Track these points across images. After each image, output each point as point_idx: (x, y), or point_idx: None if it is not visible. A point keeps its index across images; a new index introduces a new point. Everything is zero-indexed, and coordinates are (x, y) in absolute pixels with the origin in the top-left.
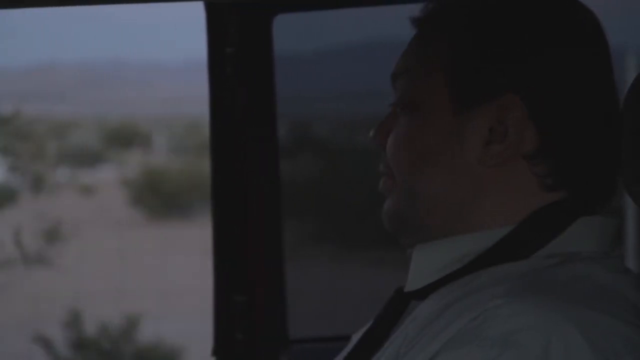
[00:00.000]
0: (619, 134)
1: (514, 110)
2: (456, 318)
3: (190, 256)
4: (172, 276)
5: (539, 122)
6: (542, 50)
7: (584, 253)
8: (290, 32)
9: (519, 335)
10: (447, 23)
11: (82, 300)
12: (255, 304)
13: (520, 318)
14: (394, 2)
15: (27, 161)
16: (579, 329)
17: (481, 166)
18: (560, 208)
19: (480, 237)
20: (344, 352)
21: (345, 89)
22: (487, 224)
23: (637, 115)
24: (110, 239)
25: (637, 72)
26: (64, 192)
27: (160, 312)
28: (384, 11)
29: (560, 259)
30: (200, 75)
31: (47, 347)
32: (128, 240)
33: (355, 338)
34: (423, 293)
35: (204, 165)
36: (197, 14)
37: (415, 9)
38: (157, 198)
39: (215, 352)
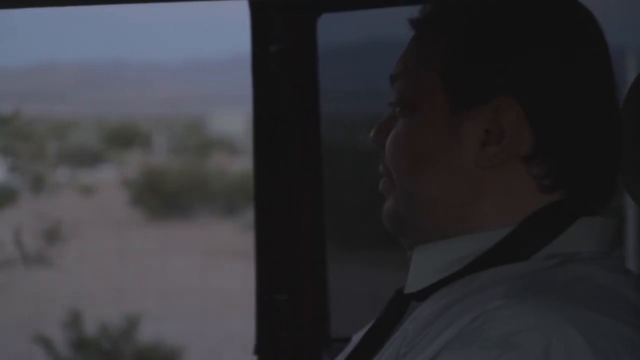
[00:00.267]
0: (618, 134)
1: (510, 112)
2: (456, 319)
3: (190, 256)
4: (172, 276)
5: (535, 124)
6: (538, 52)
7: (584, 254)
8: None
9: (519, 336)
10: (445, 25)
11: (82, 300)
12: (298, 303)
13: (520, 319)
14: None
15: (27, 161)
16: (579, 330)
17: (478, 168)
18: (560, 208)
19: (480, 238)
20: (345, 353)
21: (345, 89)
22: (485, 225)
23: (637, 116)
24: (110, 239)
25: (637, 73)
26: (64, 192)
27: (160, 312)
28: (384, 11)
29: (561, 259)
30: (200, 75)
31: (47, 347)
32: (128, 240)
33: (355, 339)
34: (423, 294)
35: (204, 165)
36: (197, 14)
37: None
38: (157, 198)
39: (257, 350)
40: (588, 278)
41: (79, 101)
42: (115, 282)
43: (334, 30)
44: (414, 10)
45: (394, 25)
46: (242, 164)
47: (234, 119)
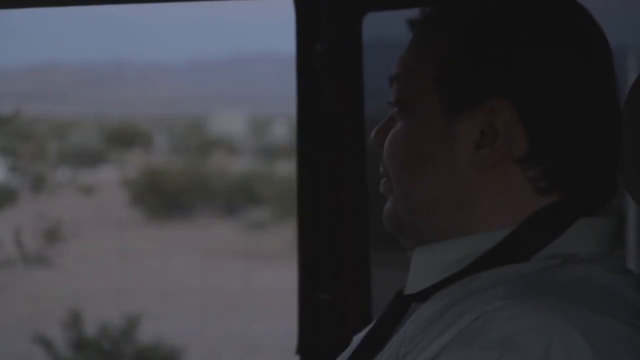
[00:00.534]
0: (617, 134)
1: (503, 114)
2: (457, 319)
3: (190, 256)
4: (172, 276)
5: (530, 126)
6: (534, 53)
7: (584, 254)
8: (288, 32)
9: (519, 337)
10: (442, 26)
11: (82, 300)
12: (341, 302)
13: (520, 320)
14: None
15: (27, 161)
16: (579, 330)
17: (472, 170)
18: (560, 209)
19: (480, 239)
20: (346, 354)
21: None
22: (484, 226)
23: (638, 115)
24: (110, 239)
25: (638, 72)
26: (64, 192)
27: (160, 312)
28: (384, 12)
29: (561, 260)
30: (200, 76)
31: (47, 347)
32: (128, 240)
33: (356, 340)
34: (423, 295)
35: (204, 165)
36: (197, 14)
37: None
38: (157, 198)
39: (300, 350)
40: (588, 278)
41: (79, 101)
42: (115, 282)
43: (377, 27)
44: None
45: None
46: (242, 164)
47: (234, 119)
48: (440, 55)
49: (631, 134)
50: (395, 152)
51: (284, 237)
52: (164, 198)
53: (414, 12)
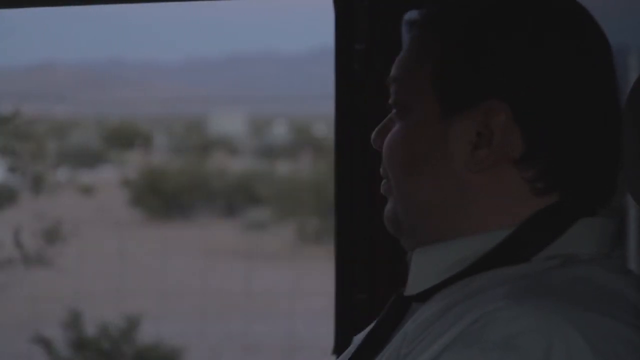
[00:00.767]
0: (617, 134)
1: (499, 115)
2: (457, 320)
3: (190, 256)
4: (172, 276)
5: (526, 128)
6: (530, 54)
7: (584, 254)
8: (288, 32)
9: (520, 338)
10: (439, 27)
11: (82, 300)
12: (377, 302)
13: (521, 321)
14: None
15: (27, 161)
16: (580, 331)
17: (469, 171)
18: (560, 210)
19: (480, 240)
20: (347, 354)
21: None
22: (483, 227)
23: (639, 115)
24: (110, 239)
25: (639, 72)
26: (64, 192)
27: (160, 313)
28: None
29: (561, 260)
30: (200, 75)
31: (47, 347)
32: (128, 241)
33: (357, 340)
34: (424, 296)
35: (204, 165)
36: (197, 14)
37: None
38: (157, 198)
39: (336, 350)
40: (588, 279)
41: (79, 101)
42: (115, 282)
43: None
44: None
45: None
46: (242, 164)
47: (234, 119)
48: (439, 55)
49: (632, 134)
50: (394, 153)
51: (284, 237)
52: (164, 198)
53: (321, 15)
